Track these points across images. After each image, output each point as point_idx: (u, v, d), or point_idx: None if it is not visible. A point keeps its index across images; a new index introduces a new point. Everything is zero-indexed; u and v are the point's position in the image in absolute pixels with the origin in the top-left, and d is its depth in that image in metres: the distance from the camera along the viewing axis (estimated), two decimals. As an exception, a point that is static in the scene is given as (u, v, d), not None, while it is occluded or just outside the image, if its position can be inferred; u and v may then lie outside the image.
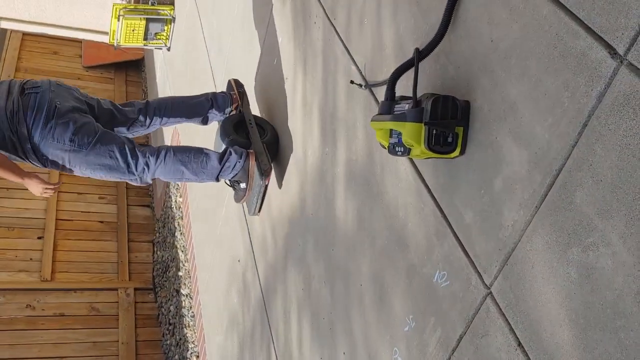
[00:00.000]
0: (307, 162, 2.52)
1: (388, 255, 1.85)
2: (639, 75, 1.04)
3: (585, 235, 1.15)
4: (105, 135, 2.68)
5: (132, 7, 6.00)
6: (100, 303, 6.14)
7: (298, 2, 2.65)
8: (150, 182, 2.83)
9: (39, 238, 6.41)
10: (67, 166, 2.67)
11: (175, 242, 5.71)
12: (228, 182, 2.94)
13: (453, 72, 1.55)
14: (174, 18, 5.99)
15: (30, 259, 6.25)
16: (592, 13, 1.13)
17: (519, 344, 1.31)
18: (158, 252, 6.47)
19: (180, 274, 5.41)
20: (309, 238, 2.49)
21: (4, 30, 7.69)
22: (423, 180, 1.68)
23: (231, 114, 3.05)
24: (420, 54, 1.58)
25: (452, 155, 1.51)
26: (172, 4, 6.16)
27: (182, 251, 5.45)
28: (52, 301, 6.00)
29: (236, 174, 2.79)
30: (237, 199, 2.97)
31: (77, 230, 6.68)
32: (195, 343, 4.83)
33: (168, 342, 5.64)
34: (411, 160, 1.74)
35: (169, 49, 6.14)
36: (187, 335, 5.00)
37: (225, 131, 2.90)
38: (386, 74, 1.87)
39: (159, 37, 6.02)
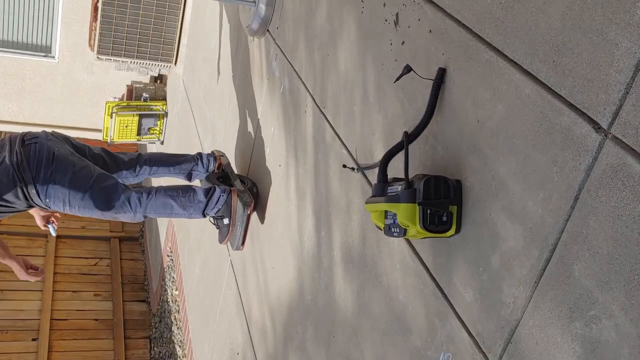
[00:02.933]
0: (304, 247, 2.52)
1: (390, 340, 1.82)
2: (624, 148, 1.07)
3: (587, 309, 1.14)
4: (102, 177, 2.88)
5: (125, 104, 6.14)
6: (96, 405, 5.94)
7: (287, 93, 2.73)
8: (143, 218, 3.01)
9: (34, 340, 6.27)
10: (68, 207, 2.84)
11: (172, 337, 5.58)
12: (212, 220, 3.14)
13: (442, 153, 1.59)
14: (167, 112, 6.12)
15: (25, 362, 6.08)
16: (573, 90, 1.17)
17: None
18: (155, 349, 6.31)
19: (178, 369, 5.26)
20: (308, 325, 2.45)
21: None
22: (421, 261, 1.68)
23: (214, 172, 3.33)
24: (409, 137, 1.62)
25: (448, 234, 1.52)
26: (164, 99, 6.32)
27: (180, 346, 5.33)
28: (47, 407, 5.79)
29: (219, 209, 3.00)
30: (221, 238, 3.15)
31: (72, 329, 6.55)
32: None
33: None
34: (408, 241, 1.75)
35: (162, 143, 6.23)
36: None
37: (209, 180, 3.19)
38: (377, 156, 1.91)
39: (152, 131, 6.13)
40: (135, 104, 6.15)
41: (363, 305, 2.01)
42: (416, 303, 1.69)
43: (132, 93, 6.34)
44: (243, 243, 3.11)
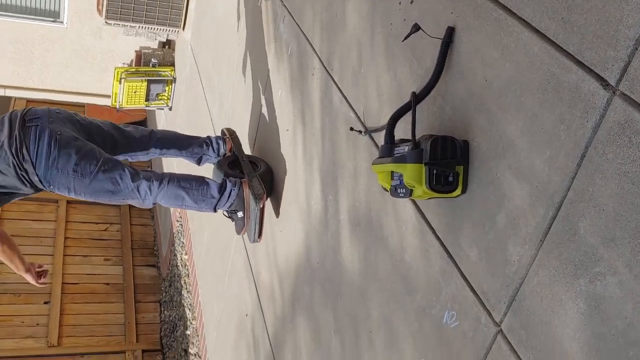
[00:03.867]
0: (312, 211, 2.53)
1: (396, 299, 1.84)
2: (632, 104, 1.06)
3: (592, 266, 1.15)
4: (108, 162, 2.72)
5: (134, 69, 6.13)
6: (108, 367, 6.06)
7: (295, 55, 2.72)
8: (152, 205, 2.90)
9: (46, 303, 6.37)
10: (74, 193, 2.71)
11: (182, 301, 5.66)
12: (226, 214, 3.03)
13: (450, 113, 1.58)
14: (175, 78, 6.11)
15: (37, 324, 6.19)
16: (581, 47, 1.16)
17: (533, 381, 1.29)
18: (165, 312, 6.41)
19: (188, 332, 5.35)
20: (316, 287, 2.48)
21: (8, 98, 7.83)
22: (427, 221, 1.69)
23: (225, 155, 3.20)
24: (417, 97, 1.61)
25: (454, 194, 1.52)
26: (173, 65, 6.30)
27: (190, 309, 5.41)
28: (60, 367, 5.91)
29: (232, 203, 2.88)
30: (238, 230, 3.05)
31: (83, 293, 6.64)
32: (206, 403, 4.73)
33: (178, 403, 5.53)
34: (414, 202, 1.75)
35: (170, 109, 6.23)
36: (197, 395, 4.90)
37: (220, 168, 3.04)
38: (385, 119, 1.90)
39: (160, 97, 6.13)
40: (144, 69, 6.14)
41: (369, 266, 2.02)
42: (421, 263, 1.70)
43: (141, 59, 6.32)
44: (260, 236, 2.98)
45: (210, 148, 3.20)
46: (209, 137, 3.25)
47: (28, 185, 2.66)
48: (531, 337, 1.30)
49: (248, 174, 2.92)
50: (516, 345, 1.34)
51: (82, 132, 2.81)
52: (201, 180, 2.89)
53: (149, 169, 3.00)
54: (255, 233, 2.95)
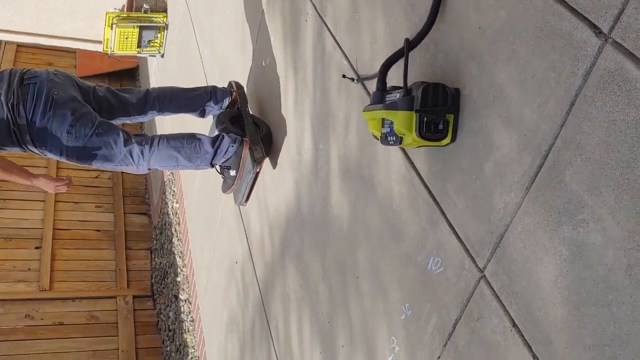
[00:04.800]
0: (302, 160, 2.54)
1: (383, 246, 1.86)
2: (623, 52, 1.06)
3: (576, 213, 1.16)
4: (102, 126, 2.68)
5: (125, 15, 6.02)
6: (99, 311, 6.14)
7: (288, 1, 2.67)
8: (147, 171, 2.85)
9: (37, 248, 6.42)
10: (65, 157, 2.68)
11: (173, 249, 5.71)
12: (218, 169, 2.94)
13: (442, 61, 1.57)
14: (167, 25, 6.01)
15: (29, 269, 6.25)
16: (576, -6, 1.15)
17: (514, 325, 1.32)
18: (156, 259, 6.47)
19: (178, 279, 5.41)
20: (305, 234, 2.50)
21: (-1, 42, 7.72)
22: (416, 170, 1.70)
23: (228, 109, 3.07)
24: (410, 44, 1.60)
25: (444, 142, 1.52)
26: (165, 11, 6.19)
27: (180, 257, 5.46)
28: (51, 310, 5.99)
29: (228, 159, 2.81)
30: (225, 188, 2.98)
31: (74, 239, 6.69)
32: (196, 347, 4.82)
33: (168, 348, 5.63)
34: (404, 150, 1.76)
35: (162, 56, 6.16)
36: (187, 340, 4.99)
37: (220, 121, 2.93)
38: (378, 67, 1.88)
39: (152, 44, 6.04)
40: (136, 15, 6.03)
41: (358, 214, 2.04)
42: (409, 211, 1.72)
43: (133, 4, 6.21)
44: (247, 200, 2.92)
45: (213, 100, 3.07)
46: (213, 88, 3.12)
47: (17, 143, 2.61)
48: (514, 282, 1.32)
49: (250, 135, 2.83)
50: (498, 290, 1.37)
51: (79, 95, 2.76)
52: (192, 137, 2.83)
53: (142, 133, 2.89)
54: (243, 196, 2.90)
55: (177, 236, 5.62)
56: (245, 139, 2.81)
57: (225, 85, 3.17)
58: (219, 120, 2.96)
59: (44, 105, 2.56)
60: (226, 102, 3.07)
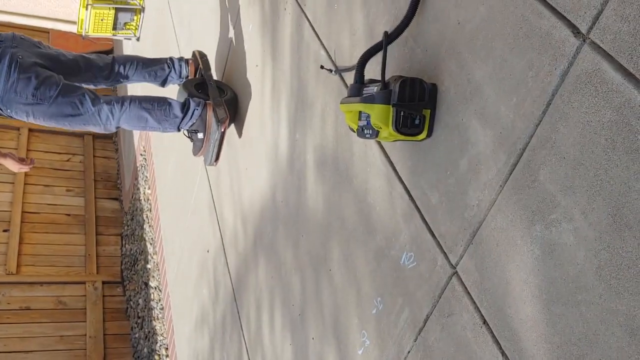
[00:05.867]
0: (278, 150, 2.52)
1: (357, 240, 1.86)
2: (600, 53, 1.06)
3: (549, 212, 1.16)
4: (67, 87, 2.72)
5: (101, -4, 5.91)
6: (67, 297, 6.06)
7: (268, -11, 2.65)
8: (115, 130, 2.90)
9: (5, 231, 6.30)
10: (32, 117, 2.70)
11: (144, 235, 5.65)
12: (186, 133, 3.06)
13: (421, 55, 1.56)
14: (144, 8, 5.92)
15: (-5, 252, 6.14)
16: (556, -7, 1.15)
17: (484, 322, 1.33)
18: (126, 245, 6.40)
19: (148, 266, 5.36)
20: (278, 225, 2.49)
21: (-31, 19, 7.53)
22: (391, 164, 1.69)
23: (189, 78, 3.20)
24: (389, 38, 1.58)
25: (420, 137, 1.52)
26: (142, -7, 6.09)
27: (151, 244, 5.41)
28: (18, 295, 5.90)
29: (194, 123, 2.90)
30: (195, 151, 3.07)
31: (43, 223, 6.58)
32: (165, 335, 4.79)
33: (137, 335, 5.59)
34: (380, 144, 1.75)
35: (138, 39, 6.06)
36: (156, 327, 4.96)
37: (185, 88, 3.04)
38: (356, 59, 1.87)
39: (128, 27, 5.95)
40: (112, -4, 5.92)
41: (332, 206, 2.03)
42: (384, 204, 1.72)
43: (109, -15, 6.09)
44: (217, 159, 3.03)
45: (172, 69, 3.21)
46: (170, 59, 3.25)
47: None
48: (485, 279, 1.32)
49: (213, 98, 2.94)
50: (470, 287, 1.37)
51: (45, 59, 2.79)
52: (163, 100, 2.90)
53: (111, 95, 2.96)
54: (212, 156, 3.00)
55: (148, 222, 5.56)
56: (208, 102, 2.91)
57: (181, 57, 3.28)
58: (184, 87, 3.06)
59: (7, 69, 2.59)
60: (184, 71, 3.20)
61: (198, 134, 2.95)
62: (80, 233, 6.61)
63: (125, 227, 6.57)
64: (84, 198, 6.93)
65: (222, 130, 2.88)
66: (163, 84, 3.26)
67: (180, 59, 3.25)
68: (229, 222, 3.13)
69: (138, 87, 5.32)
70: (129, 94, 2.95)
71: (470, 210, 1.37)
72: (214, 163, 3.05)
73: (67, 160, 7.25)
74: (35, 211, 6.61)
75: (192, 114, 2.87)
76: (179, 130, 2.96)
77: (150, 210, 5.49)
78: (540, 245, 1.18)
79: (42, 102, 2.65)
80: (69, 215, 6.74)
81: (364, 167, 1.84)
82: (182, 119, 2.88)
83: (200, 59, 3.22)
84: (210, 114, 2.88)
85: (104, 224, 6.80)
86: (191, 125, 2.92)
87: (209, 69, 3.19)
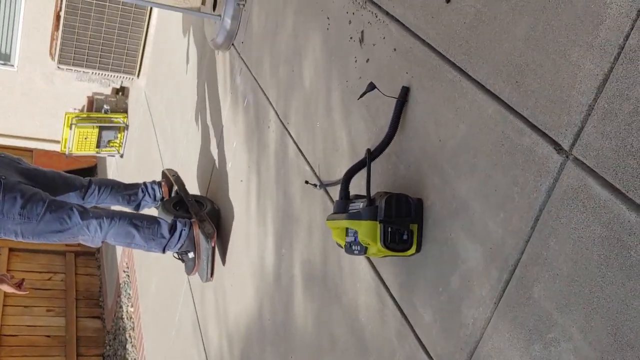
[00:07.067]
0: (264, 265, 2.48)
1: (349, 360, 1.79)
2: (585, 170, 1.07)
3: (546, 331, 1.13)
4: (54, 203, 2.68)
5: (85, 115, 6.02)
6: None
7: (251, 107, 2.70)
8: (101, 244, 2.85)
9: (-20, 356, 6.05)
10: (21, 237, 2.65)
11: (127, 355, 5.44)
12: (176, 255, 3.03)
13: (404, 171, 1.58)
14: (127, 125, 6.03)
15: (-30, 379, 5.86)
16: (535, 111, 1.17)
17: None
18: (108, 366, 6.15)
19: (131, 389, 5.13)
20: (266, 346, 2.40)
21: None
22: (382, 280, 1.66)
23: (164, 199, 3.22)
24: (372, 154, 1.60)
25: (409, 253, 1.50)
26: (126, 112, 6.22)
27: (134, 364, 5.20)
28: None
29: (183, 244, 2.87)
30: (188, 271, 3.03)
31: (22, 346, 6.33)
32: None
33: None
34: (369, 259, 1.73)
35: (122, 156, 6.13)
36: None
37: (165, 210, 3.04)
38: (340, 173, 1.89)
39: (112, 144, 6.03)
40: (96, 115, 6.04)
41: (322, 325, 1.97)
42: (376, 323, 1.67)
43: (93, 105, 6.23)
44: (212, 274, 2.98)
45: (147, 194, 3.23)
46: (144, 184, 3.28)
47: None
48: (486, 403, 1.26)
49: (196, 214, 2.94)
50: (471, 411, 1.31)
51: (24, 177, 2.79)
52: (153, 219, 2.88)
53: (100, 207, 2.94)
54: (207, 272, 2.94)
55: (131, 342, 5.37)
56: (193, 220, 2.90)
57: (178, 188, 3.27)
58: (164, 209, 3.06)
59: None
60: (158, 193, 3.23)
61: (189, 253, 2.92)
62: (60, 355, 6.35)
63: (108, 347, 6.33)
64: (64, 318, 6.72)
65: (212, 245, 2.86)
66: (137, 208, 3.26)
67: (153, 182, 3.28)
68: (214, 342, 3.02)
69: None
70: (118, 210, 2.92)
71: (466, 329, 1.33)
72: (210, 279, 2.99)
73: (48, 279, 7.09)
74: (13, 334, 6.38)
75: (180, 235, 2.85)
76: (164, 252, 2.91)
77: (133, 329, 5.32)
78: (541, 366, 1.14)
79: (29, 220, 2.60)
80: (48, 336, 6.50)
81: (353, 283, 1.80)
82: (169, 240, 2.84)
83: (171, 176, 3.25)
84: (197, 232, 2.86)
85: (85, 344, 6.55)
86: (180, 247, 2.88)
87: (183, 185, 3.23)
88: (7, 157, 2.82)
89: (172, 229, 2.86)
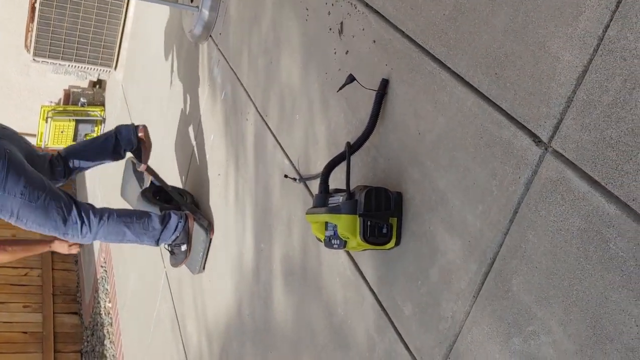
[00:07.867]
0: (243, 260, 2.46)
1: (328, 355, 1.78)
2: (564, 162, 1.06)
3: (525, 324, 1.13)
4: (53, 192, 2.60)
5: (62, 108, 5.94)
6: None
7: (229, 100, 2.68)
8: (91, 242, 2.82)
9: (-45, 354, 5.96)
10: (15, 218, 2.54)
11: (105, 351, 5.39)
12: (167, 247, 2.97)
13: (384, 165, 1.56)
14: (104, 119, 5.95)
15: (-56, 376, 5.77)
16: (514, 104, 1.17)
17: None
18: (86, 363, 6.09)
19: (110, 385, 5.09)
20: (245, 341, 2.39)
21: None
22: (361, 274, 1.65)
23: (140, 142, 3.06)
24: (351, 148, 1.59)
25: (388, 246, 1.49)
26: (103, 105, 6.15)
27: (113, 360, 5.15)
28: (-32, 423, 5.50)
29: (177, 237, 2.83)
30: (176, 263, 2.98)
31: (-2, 343, 6.25)
32: None
33: None
34: (348, 253, 1.72)
35: (99, 150, 6.04)
36: None
37: (148, 200, 2.97)
38: (319, 167, 1.87)
39: (89, 137, 5.94)
40: (72, 109, 5.96)
41: (302, 319, 1.96)
42: (355, 317, 1.66)
43: (69, 98, 6.15)
44: (204, 267, 2.93)
45: (120, 137, 3.04)
46: (117, 128, 3.08)
47: None
48: (465, 396, 1.26)
49: (183, 205, 2.91)
50: (450, 405, 1.30)
51: (26, 153, 2.69)
52: (142, 213, 2.83)
53: (89, 203, 2.82)
54: (200, 264, 2.90)
55: (109, 338, 5.32)
56: (187, 213, 2.86)
57: (158, 181, 3.15)
58: (145, 198, 2.99)
59: None
60: (133, 137, 3.03)
61: (182, 246, 2.89)
62: (37, 352, 6.27)
63: (85, 343, 6.27)
64: (41, 314, 6.63)
65: (211, 237, 2.83)
66: (117, 156, 3.10)
67: (126, 126, 3.09)
68: (192, 338, 3.00)
69: (99, 196, 5.25)
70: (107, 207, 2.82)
71: (445, 322, 1.33)
72: (202, 270, 2.95)
73: (25, 275, 6.99)
74: (-11, 330, 6.29)
75: (176, 227, 2.80)
76: (157, 244, 2.86)
77: (111, 325, 5.27)
78: (519, 359, 1.14)
79: (30, 202, 2.51)
80: (25, 333, 6.41)
81: (332, 277, 1.79)
82: (162, 232, 2.79)
83: (150, 171, 3.09)
84: (192, 225, 2.84)
85: (62, 341, 6.47)
86: (175, 239, 2.84)
87: (158, 175, 3.09)
88: (9, 129, 2.70)
89: (164, 220, 2.81)
